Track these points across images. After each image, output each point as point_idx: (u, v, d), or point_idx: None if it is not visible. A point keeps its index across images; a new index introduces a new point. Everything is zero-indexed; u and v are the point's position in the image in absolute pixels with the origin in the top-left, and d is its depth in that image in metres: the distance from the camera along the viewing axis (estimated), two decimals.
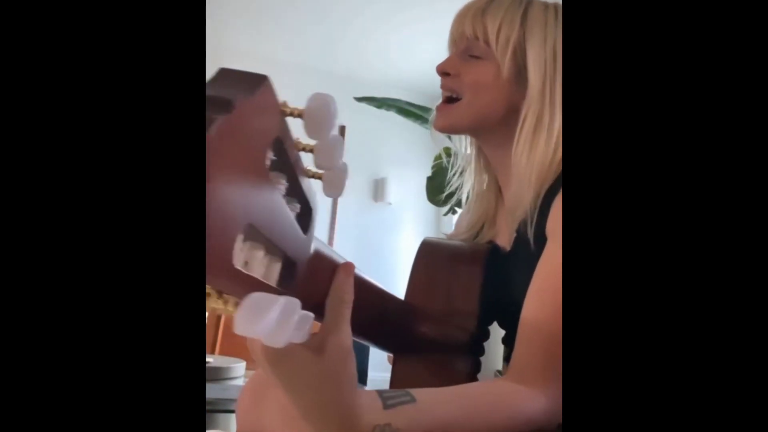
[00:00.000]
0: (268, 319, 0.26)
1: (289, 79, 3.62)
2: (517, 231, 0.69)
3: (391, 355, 0.65)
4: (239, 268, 0.26)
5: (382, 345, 0.63)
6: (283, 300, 0.27)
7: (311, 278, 0.37)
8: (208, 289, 0.28)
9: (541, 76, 0.66)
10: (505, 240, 0.75)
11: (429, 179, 1.98)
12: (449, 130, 0.75)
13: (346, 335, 0.42)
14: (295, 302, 0.28)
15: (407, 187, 3.56)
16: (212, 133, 0.20)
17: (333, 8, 2.91)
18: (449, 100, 0.72)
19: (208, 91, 0.23)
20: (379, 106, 2.22)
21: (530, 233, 0.64)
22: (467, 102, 0.70)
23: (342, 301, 0.42)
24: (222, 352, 1.95)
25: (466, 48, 0.71)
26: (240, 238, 0.25)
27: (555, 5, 0.72)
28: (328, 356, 0.40)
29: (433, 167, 2.00)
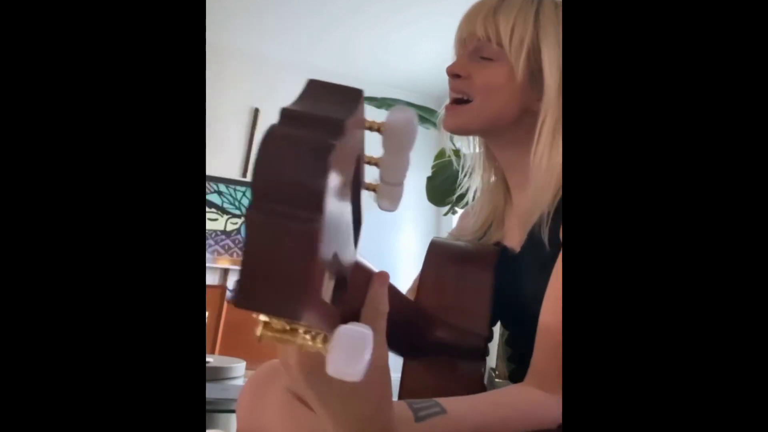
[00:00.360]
0: (365, 360, 0.23)
1: (288, 79, 3.62)
2: (530, 233, 0.69)
3: None
4: (325, 299, 0.23)
5: (393, 348, 0.62)
6: (371, 333, 0.24)
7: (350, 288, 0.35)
8: (293, 324, 0.25)
9: (557, 77, 0.65)
10: (514, 241, 0.75)
11: (429, 179, 1.98)
12: (459, 131, 0.74)
13: (383, 348, 0.40)
14: (366, 328, 0.25)
15: (407, 187, 3.54)
16: (330, 159, 0.19)
17: (333, 8, 2.91)
18: (458, 101, 0.71)
19: (304, 107, 0.21)
20: (379, 106, 2.22)
21: (545, 236, 0.64)
22: (479, 104, 0.69)
23: (378, 312, 0.40)
24: (222, 352, 1.95)
25: (476, 49, 0.70)
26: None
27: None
28: (365, 379, 0.39)
29: (433, 167, 2.00)
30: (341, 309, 0.30)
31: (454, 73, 0.70)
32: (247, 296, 0.20)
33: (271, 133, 0.20)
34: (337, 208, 0.22)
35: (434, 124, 2.21)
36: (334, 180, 0.20)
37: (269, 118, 3.34)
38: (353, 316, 0.39)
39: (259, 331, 0.24)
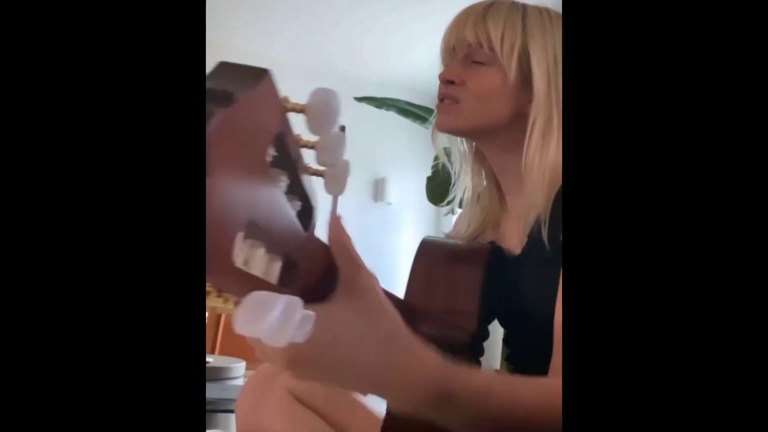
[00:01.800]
0: (270, 318, 0.25)
1: (288, 79, 3.62)
2: (530, 235, 0.69)
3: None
4: (240, 266, 0.25)
5: None
6: (284, 299, 0.26)
7: (308, 264, 0.36)
8: (208, 287, 0.27)
9: (545, 80, 0.67)
10: (513, 243, 0.75)
11: (429, 179, 1.98)
12: (451, 130, 0.75)
13: (369, 275, 0.38)
14: (297, 301, 0.28)
15: (407, 187, 3.56)
16: (212, 126, 0.20)
17: (333, 8, 2.91)
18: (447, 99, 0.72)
19: (208, 84, 0.22)
20: (379, 106, 2.22)
21: (545, 236, 0.64)
22: (470, 107, 0.70)
23: (343, 244, 0.38)
24: (222, 352, 1.95)
25: (468, 54, 0.71)
26: (240, 235, 0.25)
27: (548, 11, 0.72)
28: (364, 303, 0.37)
29: (433, 167, 2.00)
30: (296, 288, 0.32)
31: (447, 80, 0.71)
32: None
33: None
34: (253, 181, 0.23)
35: None
36: (232, 147, 0.21)
37: None
38: (322, 289, 0.38)
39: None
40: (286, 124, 0.28)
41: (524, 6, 0.71)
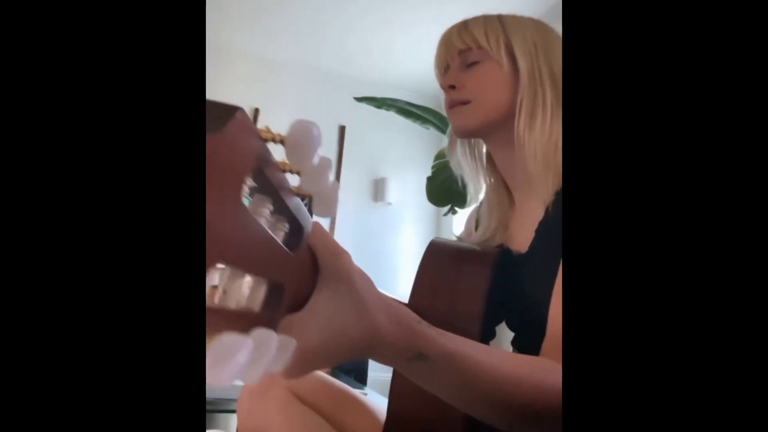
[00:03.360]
0: (234, 365, 0.25)
1: (289, 79, 3.63)
2: (537, 230, 0.71)
3: None
4: (216, 300, 0.25)
5: None
6: (250, 341, 0.26)
7: (296, 280, 0.35)
8: None
9: (529, 62, 0.73)
10: (519, 242, 0.76)
11: (429, 179, 1.98)
12: (465, 132, 0.79)
13: (342, 252, 0.38)
14: (269, 334, 0.27)
15: (407, 187, 3.56)
16: None
17: (333, 8, 2.91)
18: (457, 103, 0.77)
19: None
20: (379, 106, 2.22)
21: (552, 232, 0.66)
22: (476, 103, 0.75)
23: (318, 234, 0.37)
24: None
25: (461, 61, 0.77)
26: (220, 267, 0.24)
27: (521, 16, 0.79)
28: (345, 282, 0.37)
29: (433, 167, 2.00)
30: (282, 308, 0.31)
31: (449, 85, 0.77)
32: None
33: None
34: (222, 218, 0.23)
35: (434, 125, 2.21)
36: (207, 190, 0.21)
37: (269, 117, 3.35)
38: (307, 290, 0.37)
39: None
40: (263, 156, 0.28)
41: (497, 14, 0.79)
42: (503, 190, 0.85)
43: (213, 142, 0.22)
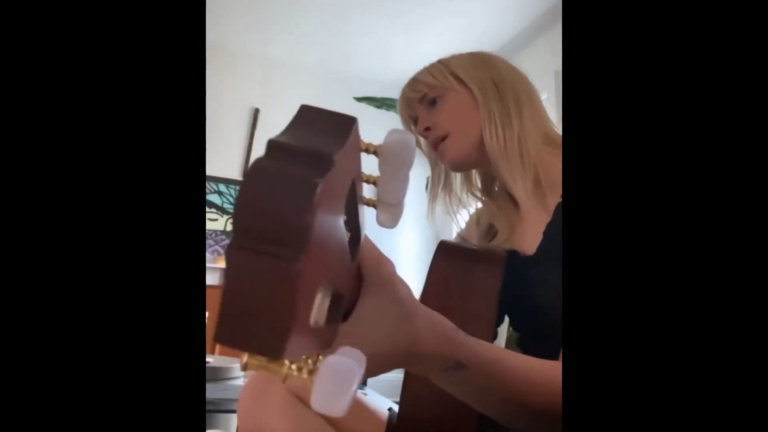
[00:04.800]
0: (350, 394, 0.22)
1: (288, 79, 3.62)
2: (545, 232, 0.72)
3: None
4: (319, 322, 0.23)
5: None
6: (356, 365, 0.23)
7: (351, 291, 0.34)
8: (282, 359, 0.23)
9: (477, 80, 0.80)
10: (527, 244, 0.76)
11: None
12: (459, 164, 0.82)
13: (387, 261, 0.38)
14: (354, 353, 0.24)
15: (408, 187, 3.56)
16: (318, 197, 0.18)
17: (333, 9, 2.91)
18: (436, 140, 0.82)
19: (292, 138, 0.20)
20: (379, 106, 2.23)
21: (559, 235, 0.67)
22: (455, 133, 0.80)
23: (366, 241, 0.37)
24: (222, 352, 1.95)
25: (424, 105, 0.83)
26: (320, 293, 0.22)
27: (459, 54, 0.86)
28: (389, 290, 0.37)
29: None
30: (338, 323, 0.29)
31: (424, 128, 0.82)
32: (228, 334, 0.19)
33: (256, 167, 0.19)
34: (326, 237, 0.21)
35: None
36: (321, 215, 0.19)
37: (269, 118, 3.34)
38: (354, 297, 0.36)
39: (244, 359, 0.23)
40: (359, 168, 0.27)
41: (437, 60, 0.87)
42: (506, 194, 0.86)
43: (341, 160, 0.20)
